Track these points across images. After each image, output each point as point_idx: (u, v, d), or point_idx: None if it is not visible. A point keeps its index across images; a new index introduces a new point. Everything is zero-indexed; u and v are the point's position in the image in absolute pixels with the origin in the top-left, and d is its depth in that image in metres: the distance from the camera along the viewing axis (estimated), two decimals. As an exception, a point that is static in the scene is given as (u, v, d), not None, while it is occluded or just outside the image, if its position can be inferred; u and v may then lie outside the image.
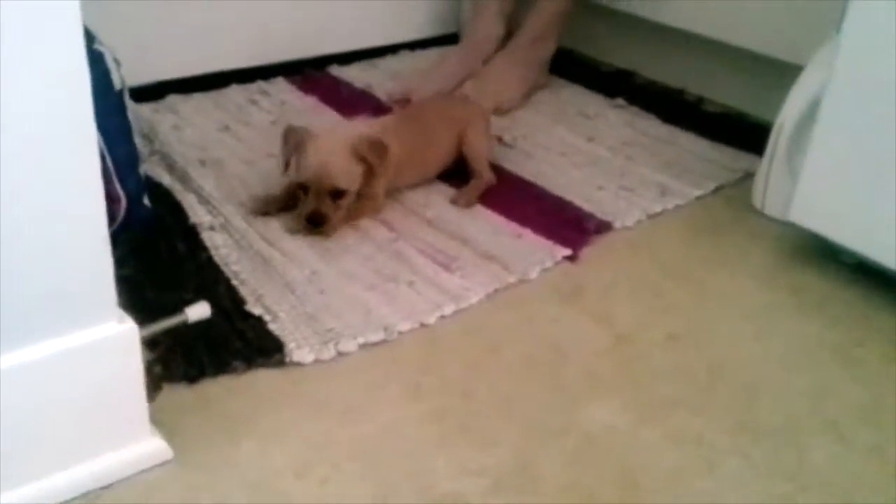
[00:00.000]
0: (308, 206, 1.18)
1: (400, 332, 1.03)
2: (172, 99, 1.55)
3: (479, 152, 1.37)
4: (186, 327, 0.92)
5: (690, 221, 1.31)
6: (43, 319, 0.69)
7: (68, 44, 0.64)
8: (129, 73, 1.40)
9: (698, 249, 1.24)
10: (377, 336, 1.01)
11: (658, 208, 1.33)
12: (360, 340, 1.00)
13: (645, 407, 0.94)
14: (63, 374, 0.72)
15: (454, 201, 1.30)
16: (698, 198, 1.37)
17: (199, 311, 0.88)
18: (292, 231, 1.19)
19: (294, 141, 1.20)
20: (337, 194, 1.18)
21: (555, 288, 1.14)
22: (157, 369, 0.93)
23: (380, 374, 0.96)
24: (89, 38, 1.05)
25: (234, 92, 1.61)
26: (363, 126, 1.27)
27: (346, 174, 1.18)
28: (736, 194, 1.38)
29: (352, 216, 1.22)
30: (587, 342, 1.04)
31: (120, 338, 0.75)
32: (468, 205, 1.30)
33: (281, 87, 1.64)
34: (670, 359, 1.02)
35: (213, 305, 1.02)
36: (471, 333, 1.04)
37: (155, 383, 0.92)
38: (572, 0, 1.68)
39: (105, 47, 1.08)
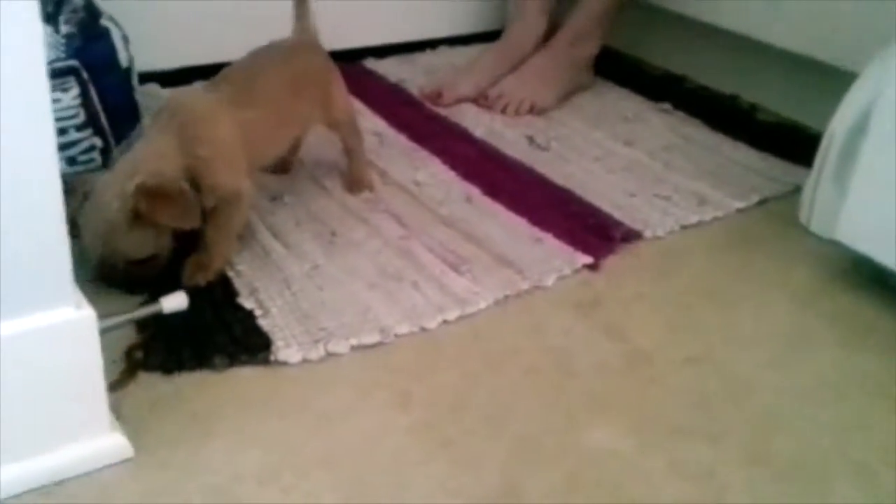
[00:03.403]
0: (103, 277, 0.94)
1: (397, 335, 0.96)
2: (200, 86, 1.52)
3: (350, 114, 1.19)
4: (172, 315, 0.89)
5: (728, 235, 1.21)
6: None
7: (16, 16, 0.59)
8: (155, 57, 1.39)
9: (733, 266, 1.15)
10: (372, 338, 0.95)
11: (694, 219, 1.23)
12: (353, 342, 0.94)
13: (652, 433, 0.85)
14: (10, 360, 0.67)
15: (351, 189, 1.21)
16: (739, 210, 1.27)
17: (175, 301, 0.84)
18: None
19: (80, 192, 0.93)
20: (136, 261, 0.94)
21: (570, 298, 1.06)
22: (138, 355, 0.90)
23: (369, 379, 0.90)
24: (95, 13, 1.03)
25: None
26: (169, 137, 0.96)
27: (138, 244, 0.92)
28: (781, 209, 1.28)
29: (221, 232, 1.00)
30: (597, 359, 0.96)
31: (76, 324, 0.70)
32: (371, 186, 1.21)
33: (312, 78, 1.60)
34: (687, 382, 0.93)
35: (205, 296, 0.99)
36: (473, 341, 0.97)
37: (130, 370, 0.88)
38: (615, 4, 1.59)
39: (113, 24, 1.05)
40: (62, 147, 1.02)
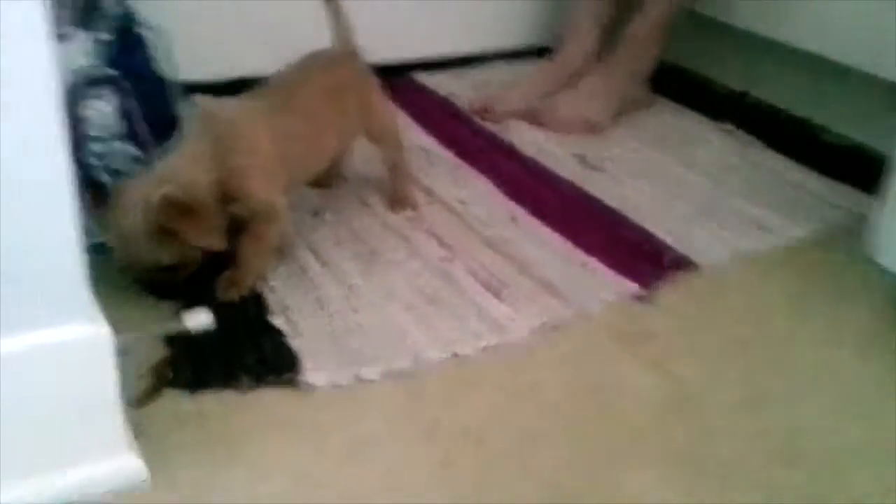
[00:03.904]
0: (139, 282, 0.94)
1: (429, 362, 0.93)
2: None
3: (391, 128, 1.16)
4: (202, 331, 0.87)
5: (787, 265, 1.14)
6: (2, 313, 0.64)
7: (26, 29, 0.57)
8: (206, 68, 1.39)
9: (791, 298, 1.08)
10: (403, 363, 0.92)
11: (751, 247, 1.17)
12: (384, 367, 0.91)
13: (692, 481, 0.79)
14: (22, 375, 0.66)
15: (393, 207, 1.18)
16: (801, 239, 1.20)
17: (198, 319, 0.81)
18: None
19: (115, 200, 0.93)
20: (165, 267, 0.93)
21: (615, 328, 1.01)
22: (165, 371, 0.88)
23: (397, 407, 0.87)
24: (132, 22, 1.02)
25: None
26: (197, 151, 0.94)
27: (164, 253, 0.91)
28: (847, 238, 1.20)
29: (255, 247, 0.98)
30: (639, 396, 0.90)
31: (90, 341, 0.68)
32: (414, 204, 1.17)
33: (362, 91, 1.58)
34: (736, 426, 0.87)
35: (237, 312, 0.97)
36: (507, 370, 0.93)
37: (156, 387, 0.86)
38: (672, 13, 1.53)
39: (154, 34, 1.04)
40: (100, 156, 1.01)
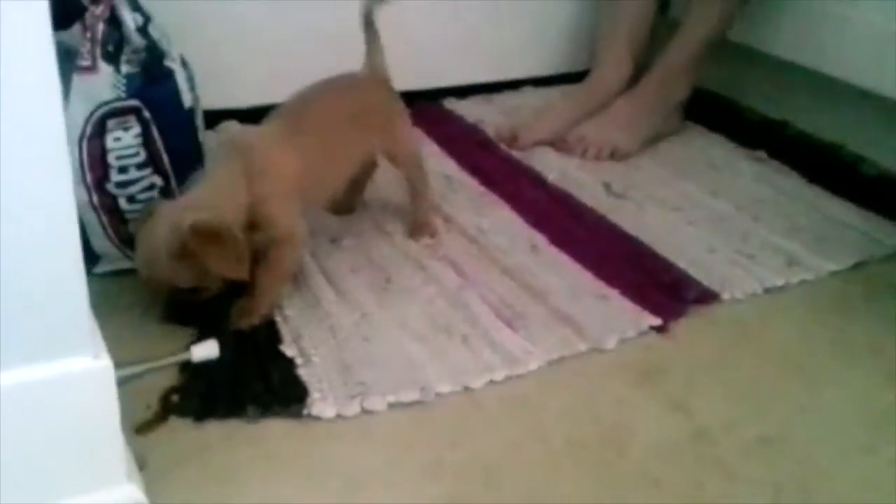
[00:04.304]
0: (157, 305, 0.95)
1: (438, 394, 0.91)
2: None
3: (413, 153, 1.15)
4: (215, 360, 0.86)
5: (817, 301, 1.11)
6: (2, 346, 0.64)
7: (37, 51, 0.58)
8: (235, 97, 1.40)
9: (820, 335, 1.04)
10: (410, 395, 0.90)
11: (780, 281, 1.13)
12: (391, 398, 0.89)
13: (707, 527, 0.77)
14: (21, 408, 0.66)
15: (413, 234, 1.17)
16: (832, 273, 1.16)
17: (205, 350, 0.81)
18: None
19: (144, 216, 0.95)
20: (185, 289, 0.93)
21: (632, 363, 0.98)
22: (174, 398, 0.88)
23: (402, 442, 0.85)
24: (159, 55, 1.03)
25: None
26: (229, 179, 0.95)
27: (185, 274, 0.91)
28: (882, 273, 1.16)
29: (271, 274, 0.98)
30: (655, 434, 0.88)
31: (91, 374, 0.68)
32: (434, 231, 1.17)
33: (389, 117, 1.58)
34: (755, 467, 0.84)
35: (250, 340, 0.97)
36: (519, 406, 0.91)
37: (162, 414, 0.86)
38: (709, 42, 1.50)
39: (180, 65, 1.05)
40: (123, 185, 1.02)
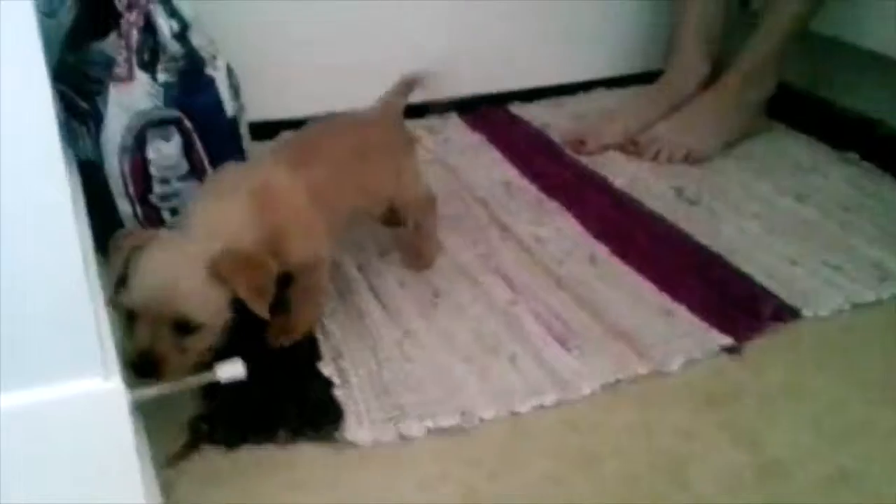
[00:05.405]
0: (137, 342, 0.78)
1: (481, 420, 0.85)
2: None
3: (419, 196, 1.07)
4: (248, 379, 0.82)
5: (912, 319, 0.99)
6: (3, 368, 0.62)
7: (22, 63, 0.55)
8: (295, 105, 1.37)
9: (914, 359, 0.93)
10: (450, 420, 0.84)
11: (870, 297, 1.02)
12: (429, 424, 0.84)
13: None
14: (28, 432, 0.64)
15: (411, 265, 1.09)
16: (931, 288, 1.04)
17: (231, 370, 0.77)
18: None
19: (128, 247, 0.81)
20: (183, 328, 0.79)
21: (698, 389, 0.89)
22: (203, 427, 0.85)
23: (438, 470, 0.79)
24: (198, 62, 1.01)
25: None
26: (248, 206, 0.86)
27: (200, 302, 0.79)
28: None
29: (307, 294, 0.92)
30: (720, 470, 0.79)
31: (101, 397, 0.65)
32: (430, 262, 1.09)
33: (452, 124, 1.52)
34: (830, 510, 0.74)
35: (289, 357, 0.93)
36: (568, 434, 0.84)
37: (193, 443, 0.83)
38: (792, 35, 1.38)
39: (224, 73, 1.03)
40: (165, 197, 1.01)
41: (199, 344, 0.80)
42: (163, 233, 0.84)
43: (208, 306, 0.80)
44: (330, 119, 1.02)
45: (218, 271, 0.80)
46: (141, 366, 0.77)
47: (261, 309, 0.81)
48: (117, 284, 0.79)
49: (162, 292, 0.78)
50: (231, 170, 0.92)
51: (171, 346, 0.78)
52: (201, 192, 0.89)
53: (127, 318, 0.78)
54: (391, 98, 1.07)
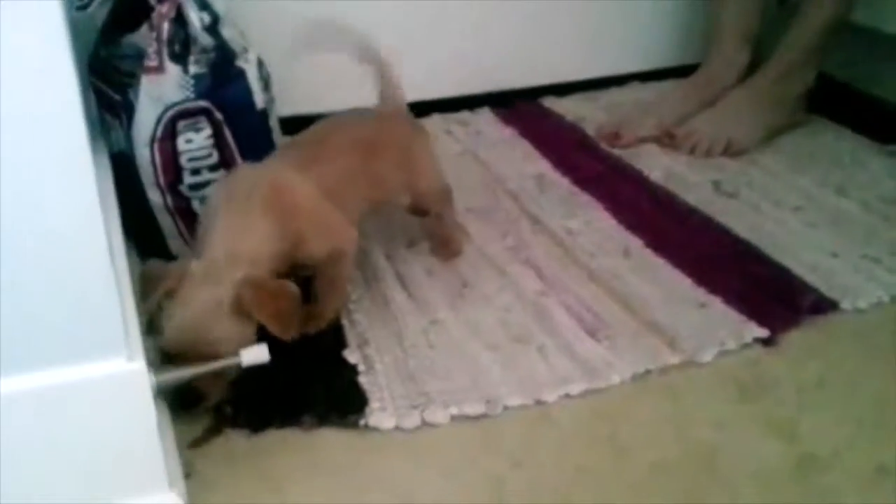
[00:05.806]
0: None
1: (506, 408, 0.83)
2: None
3: (437, 187, 1.06)
4: (273, 364, 0.82)
5: (958, 312, 0.95)
6: (29, 348, 0.62)
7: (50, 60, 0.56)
8: (337, 98, 1.36)
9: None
10: (476, 408, 0.83)
11: (912, 289, 0.99)
12: (454, 411, 0.83)
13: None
14: (53, 411, 0.64)
15: (438, 253, 1.09)
16: (976, 281, 1.00)
17: (255, 354, 0.77)
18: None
19: (159, 288, 0.81)
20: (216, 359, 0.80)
21: (731, 380, 0.87)
22: (227, 410, 0.85)
23: (462, 457, 0.78)
24: (228, 55, 1.01)
25: (434, 121, 1.49)
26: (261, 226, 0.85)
27: (228, 339, 0.80)
28: None
29: (329, 286, 0.92)
30: (755, 461, 0.77)
31: (125, 377, 0.65)
32: (459, 250, 1.08)
33: (483, 118, 1.51)
34: (869, 500, 0.71)
35: (314, 344, 0.93)
36: (596, 424, 0.82)
37: (217, 426, 0.83)
38: (832, 26, 1.34)
39: (255, 66, 1.03)
40: (195, 187, 1.01)
41: (232, 365, 0.80)
42: (190, 268, 0.82)
43: (236, 339, 0.80)
44: (334, 117, 1.02)
45: (241, 308, 0.80)
46: (184, 399, 0.80)
47: (285, 334, 0.81)
48: (150, 322, 0.80)
49: (194, 338, 0.79)
50: (241, 176, 0.91)
51: (208, 378, 0.79)
52: (215, 202, 0.89)
53: (163, 353, 0.80)
54: (386, 91, 1.05)
